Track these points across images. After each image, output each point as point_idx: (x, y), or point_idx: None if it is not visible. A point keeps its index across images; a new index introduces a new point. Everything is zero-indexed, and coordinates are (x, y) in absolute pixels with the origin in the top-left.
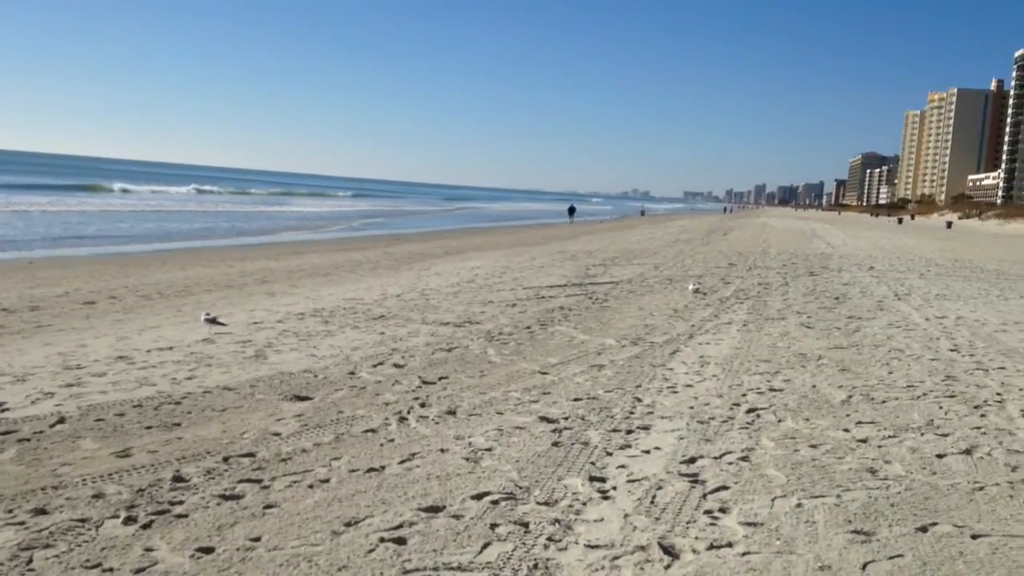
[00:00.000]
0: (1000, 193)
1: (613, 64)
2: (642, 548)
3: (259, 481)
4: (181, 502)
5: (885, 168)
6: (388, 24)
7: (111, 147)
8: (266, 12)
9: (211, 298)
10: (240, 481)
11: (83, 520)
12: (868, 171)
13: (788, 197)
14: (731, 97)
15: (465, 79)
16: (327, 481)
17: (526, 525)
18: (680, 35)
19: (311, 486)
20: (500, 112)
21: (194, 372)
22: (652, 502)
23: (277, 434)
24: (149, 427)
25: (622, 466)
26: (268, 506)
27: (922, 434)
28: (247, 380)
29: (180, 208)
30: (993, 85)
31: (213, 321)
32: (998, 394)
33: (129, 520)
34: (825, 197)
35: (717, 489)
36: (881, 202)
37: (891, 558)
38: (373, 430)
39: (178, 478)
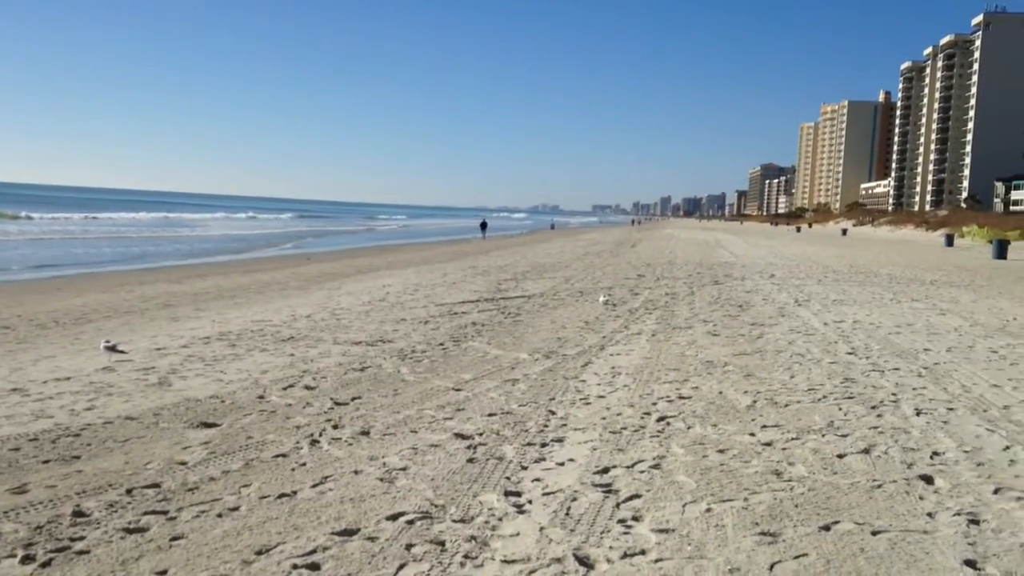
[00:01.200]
0: (891, 200)
1: (520, 82)
2: (558, 560)
3: (165, 512)
4: (82, 537)
5: (783, 178)
6: (293, 36)
7: (32, 172)
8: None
9: (111, 325)
10: (145, 513)
11: None
12: (767, 182)
13: (692, 208)
14: (637, 113)
15: (372, 93)
16: (236, 509)
17: (442, 544)
18: (585, 55)
19: (220, 515)
20: (411, 128)
21: (94, 402)
22: (567, 514)
23: (183, 463)
24: (47, 461)
25: (537, 479)
26: (175, 538)
27: (823, 435)
28: (150, 408)
29: (83, 235)
30: (881, 97)
31: (113, 349)
32: (893, 394)
33: (27, 559)
34: (727, 208)
35: (630, 498)
36: (780, 211)
37: (796, 557)
38: (284, 455)
39: (79, 513)
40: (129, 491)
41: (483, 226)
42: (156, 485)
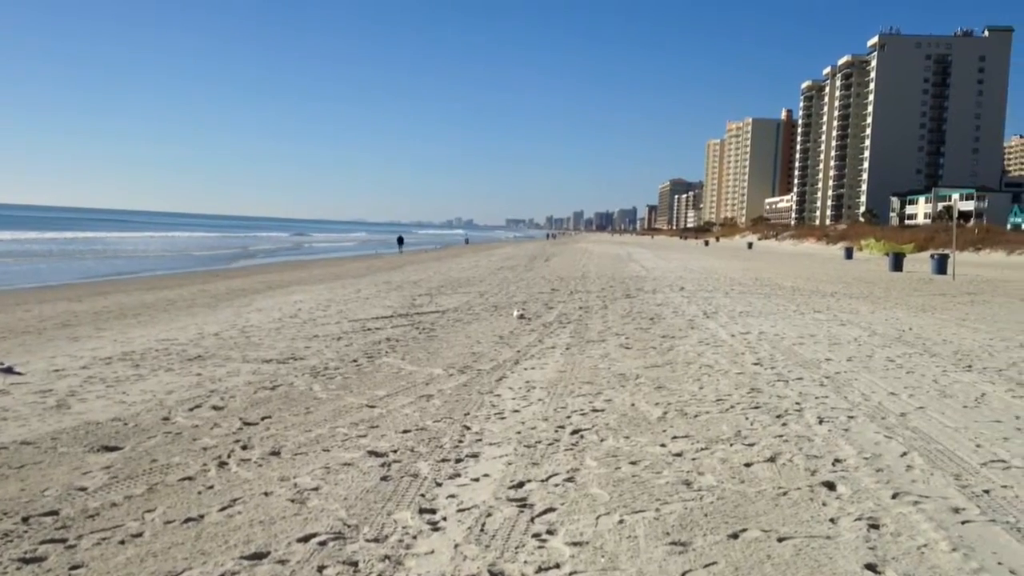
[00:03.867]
0: (794, 214)
1: (432, 95)
2: None
3: (63, 540)
4: None
5: (692, 193)
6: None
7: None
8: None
9: (6, 346)
10: (42, 542)
11: None
12: (676, 196)
13: (604, 223)
14: (549, 127)
15: (289, 107)
16: (140, 535)
17: (355, 564)
18: (497, 69)
19: (122, 542)
20: (321, 140)
21: None
22: (482, 530)
23: (83, 489)
24: None
25: (452, 496)
26: (74, 567)
27: (731, 445)
28: (48, 432)
29: None
30: (783, 115)
31: (8, 371)
32: (797, 403)
33: None
34: (638, 222)
35: (544, 511)
36: (689, 225)
37: (706, 566)
38: (190, 478)
39: None
40: (25, 519)
41: (400, 241)
42: (54, 512)
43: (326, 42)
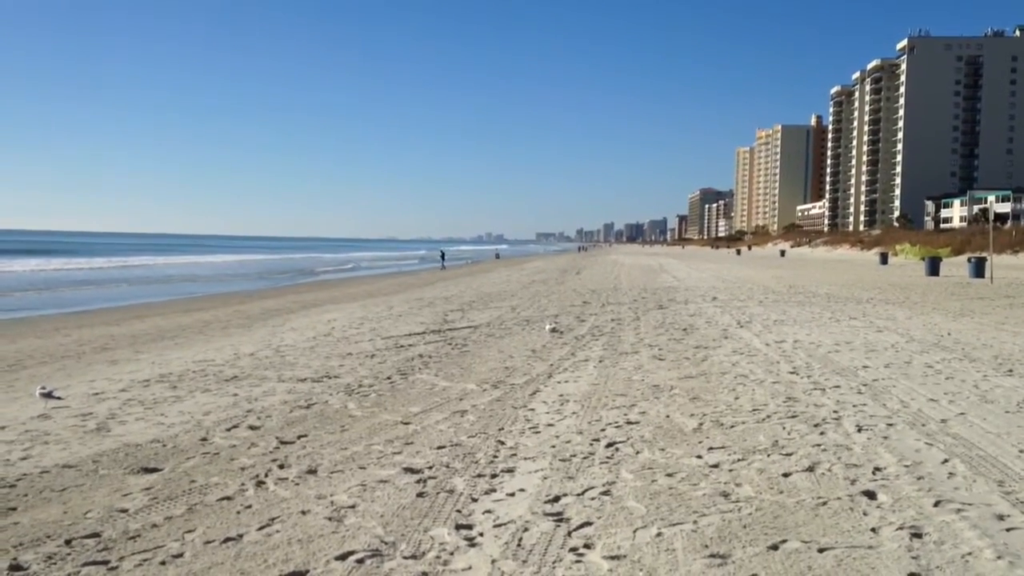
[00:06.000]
0: (826, 221)
1: (458, 111)
2: None
3: (106, 563)
4: None
5: (722, 202)
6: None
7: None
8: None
9: (46, 371)
10: (85, 564)
11: None
12: (707, 206)
13: (635, 234)
14: (577, 141)
15: (314, 122)
16: (180, 556)
17: None
18: (526, 81)
19: (163, 563)
20: (353, 159)
21: (29, 451)
22: (519, 545)
23: (124, 510)
24: None
25: (488, 511)
26: None
27: (768, 455)
28: (89, 456)
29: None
30: (813, 121)
31: (49, 395)
32: (835, 412)
33: None
34: (669, 232)
35: (581, 526)
36: (720, 234)
37: None
38: (229, 497)
39: (16, 567)
40: (68, 542)
41: (442, 256)
42: (96, 535)
43: (345, 58)
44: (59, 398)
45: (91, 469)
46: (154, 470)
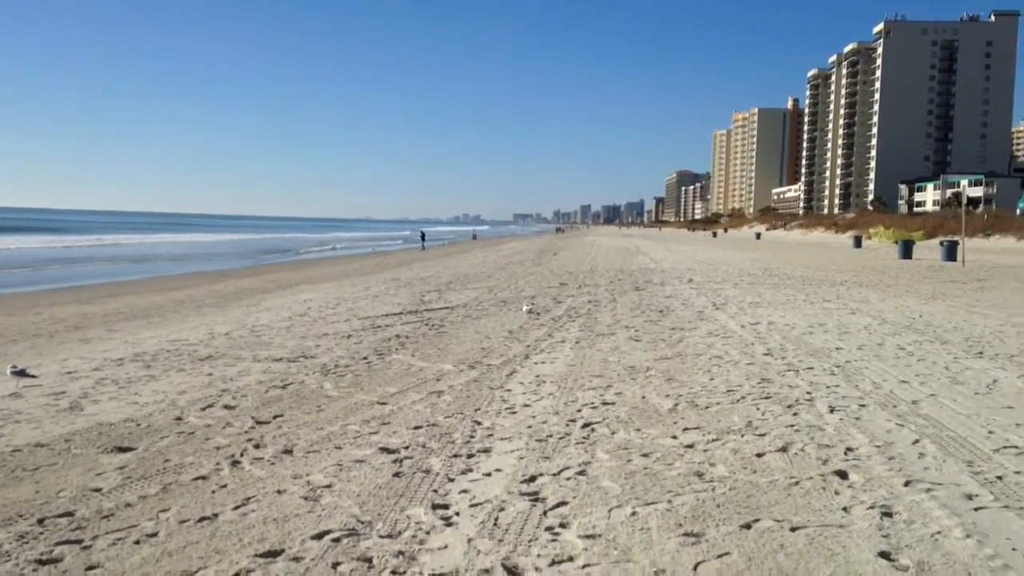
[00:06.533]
0: (802, 204)
1: (436, 93)
2: (486, 571)
3: (79, 542)
4: None
5: (699, 184)
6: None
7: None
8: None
9: (17, 349)
10: (58, 543)
11: None
12: (683, 188)
13: (612, 216)
14: (555, 121)
15: (295, 105)
16: (155, 535)
17: (369, 560)
18: (503, 64)
19: (137, 542)
20: (330, 139)
21: (1, 430)
22: (495, 524)
23: (98, 489)
24: None
25: (464, 491)
26: (90, 567)
27: (742, 435)
28: (62, 435)
29: None
30: (790, 104)
31: (21, 373)
32: (808, 393)
33: None
34: (646, 214)
35: (557, 505)
36: (697, 217)
37: (719, 556)
38: (204, 477)
39: None
40: (40, 521)
41: (423, 237)
42: (69, 514)
43: (327, 43)
44: (31, 376)
45: (64, 448)
46: (128, 449)
